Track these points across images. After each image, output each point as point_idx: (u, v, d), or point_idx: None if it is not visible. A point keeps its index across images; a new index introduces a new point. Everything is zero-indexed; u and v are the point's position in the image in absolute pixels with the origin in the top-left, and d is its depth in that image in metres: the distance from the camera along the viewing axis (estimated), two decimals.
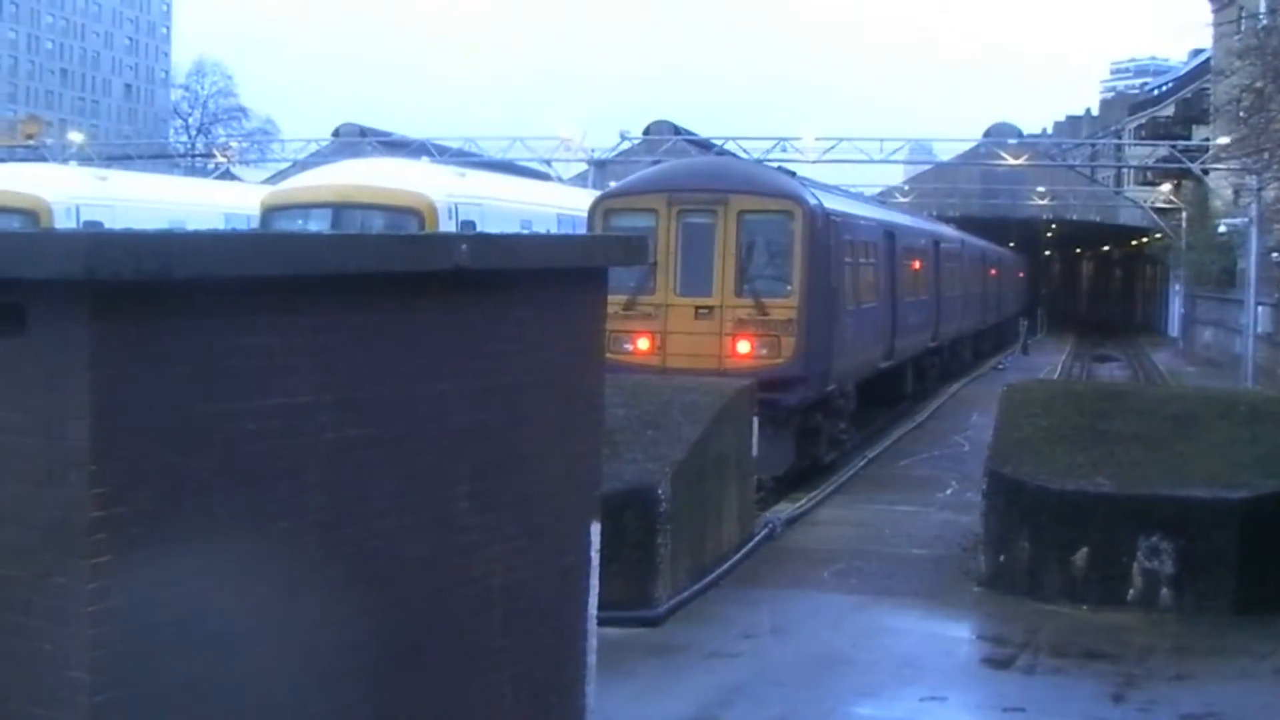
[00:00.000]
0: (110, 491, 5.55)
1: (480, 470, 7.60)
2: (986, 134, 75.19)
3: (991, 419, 18.16)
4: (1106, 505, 15.00)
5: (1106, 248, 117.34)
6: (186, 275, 5.69)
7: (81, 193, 33.00)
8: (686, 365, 22.40)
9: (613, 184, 36.58)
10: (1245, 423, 16.73)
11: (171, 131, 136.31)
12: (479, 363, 7.60)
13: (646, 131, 68.67)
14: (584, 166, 64.80)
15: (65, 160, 63.52)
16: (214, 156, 79.11)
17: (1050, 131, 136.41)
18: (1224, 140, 48.20)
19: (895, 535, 18.70)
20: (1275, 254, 54.39)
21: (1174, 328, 79.57)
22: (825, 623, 14.35)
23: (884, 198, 64.81)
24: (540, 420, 8.15)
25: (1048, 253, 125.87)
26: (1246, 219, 53.49)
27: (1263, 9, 41.98)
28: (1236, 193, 60.26)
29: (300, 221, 27.84)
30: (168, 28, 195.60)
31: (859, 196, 41.83)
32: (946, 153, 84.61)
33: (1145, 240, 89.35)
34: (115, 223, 29.33)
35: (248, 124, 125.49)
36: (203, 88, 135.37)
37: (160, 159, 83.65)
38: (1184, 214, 73.06)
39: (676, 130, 68.63)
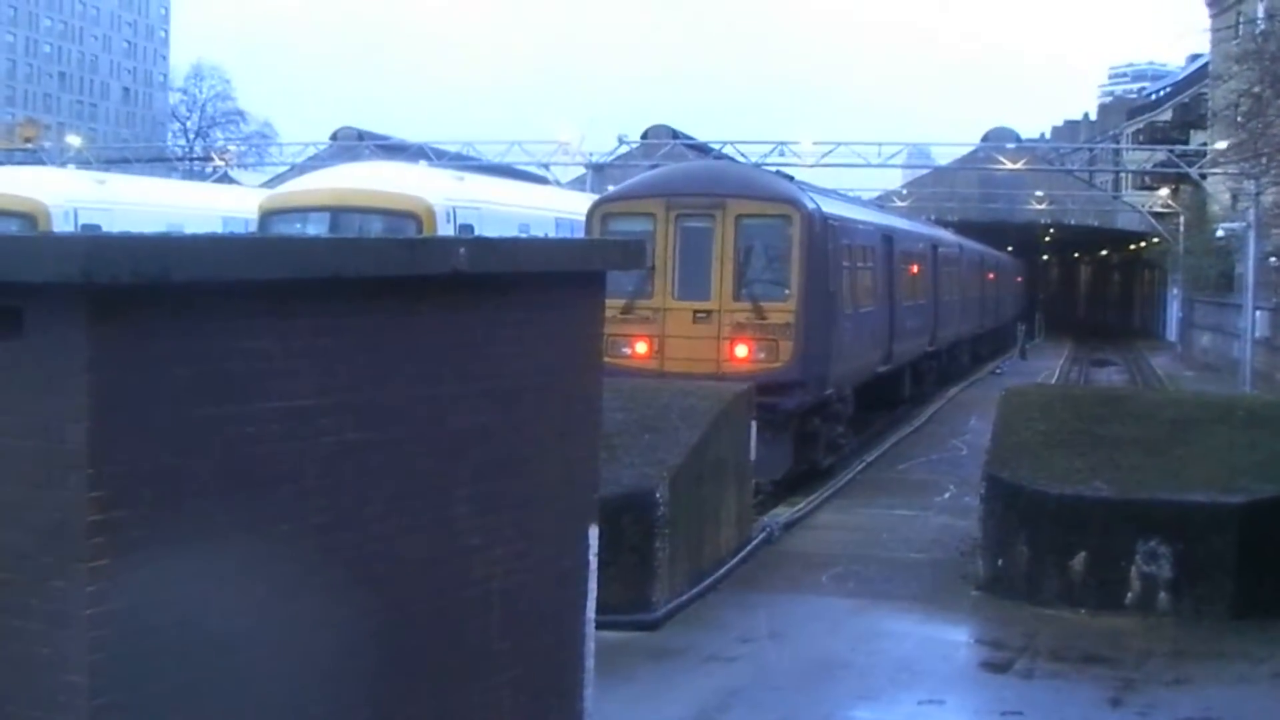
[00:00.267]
0: (109, 495, 5.55)
1: (479, 474, 7.60)
2: (984, 138, 75.22)
3: (989, 423, 18.19)
4: (1105, 509, 15.01)
5: (1104, 252, 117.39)
6: (184, 278, 5.69)
7: (79, 196, 32.97)
8: (684, 369, 22.41)
9: (611, 188, 36.61)
10: (1243, 427, 16.75)
11: (169, 135, 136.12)
12: (477, 366, 7.60)
13: (645, 135, 68.70)
14: (582, 170, 64.80)
15: (63, 163, 63.42)
16: (212, 160, 79.08)
17: (1048, 136, 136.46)
18: (1222, 145, 48.17)
19: (893, 539, 18.71)
20: (1273, 258, 54.39)
21: (1172, 332, 79.61)
22: (823, 627, 14.36)
23: (882, 202, 64.79)
24: (539, 424, 8.15)
25: (1045, 257, 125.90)
26: (1244, 223, 53.49)
27: (1261, 14, 42.01)
28: (1234, 197, 60.27)
29: (298, 225, 27.79)
30: (166, 31, 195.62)
31: (857, 201, 41.82)
32: (944, 157, 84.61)
33: (1143, 245, 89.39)
34: (113, 226, 29.30)
35: (246, 127, 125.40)
36: (201, 91, 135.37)
37: (158, 162, 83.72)
38: (1182, 218, 73.08)
39: (674, 134, 68.65)
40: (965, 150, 76.99)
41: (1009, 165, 68.50)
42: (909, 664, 13.09)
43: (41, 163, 61.95)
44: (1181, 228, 72.56)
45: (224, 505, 6.05)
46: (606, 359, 10.92)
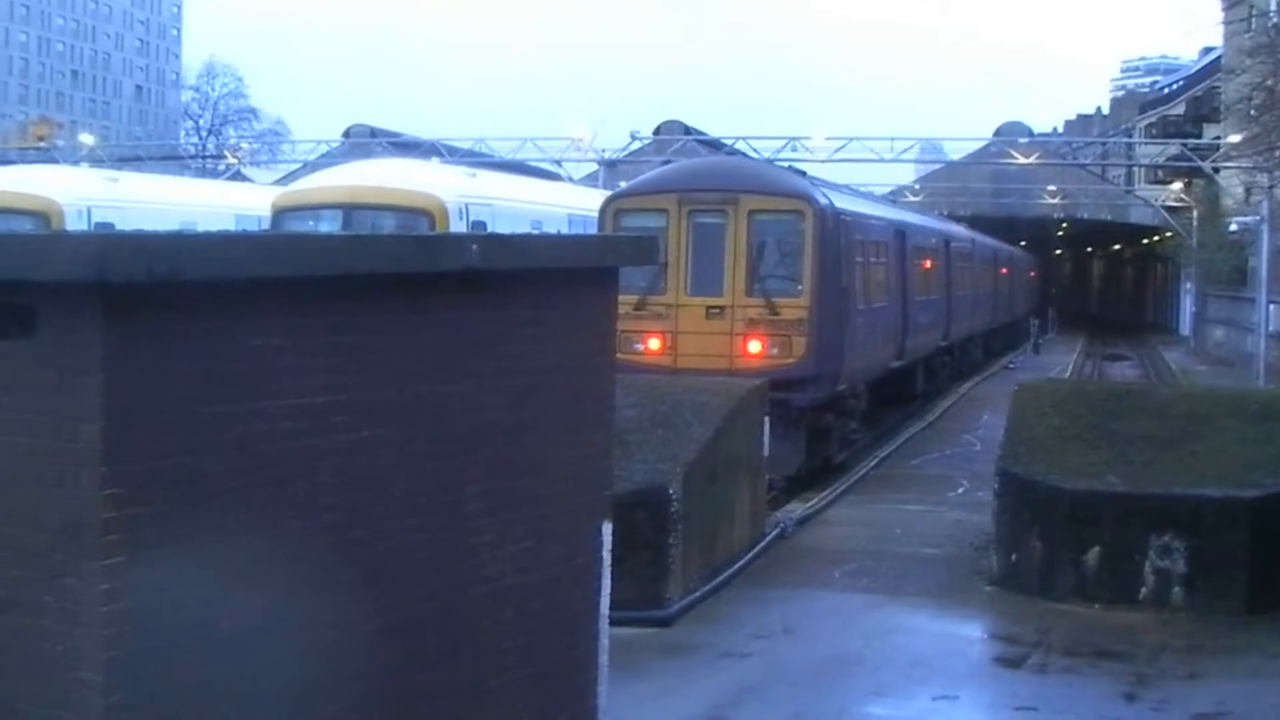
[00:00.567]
0: (122, 493, 5.55)
1: (491, 471, 7.60)
2: (997, 133, 75.02)
3: (1003, 418, 18.16)
4: (1118, 504, 14.99)
5: (1117, 246, 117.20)
6: (197, 277, 5.70)
7: (92, 194, 33.02)
8: (697, 365, 22.40)
9: (623, 184, 36.55)
10: (1257, 422, 16.71)
11: (182, 133, 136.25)
12: (490, 363, 7.60)
13: (657, 131, 68.61)
14: (594, 166, 64.72)
15: (76, 162, 63.63)
16: (224, 158, 79.28)
17: (1061, 130, 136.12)
18: (1235, 138, 48.07)
19: (907, 535, 18.69)
20: None
21: (1185, 326, 79.45)
22: (837, 623, 14.35)
23: (895, 197, 64.78)
24: (551, 421, 8.15)
25: (1058, 251, 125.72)
26: (1258, 217, 53.46)
27: (1273, 7, 41.93)
28: (1248, 191, 60.12)
29: (311, 222, 27.83)
30: (178, 29, 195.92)
31: (870, 196, 41.83)
32: (957, 152, 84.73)
33: (1156, 239, 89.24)
34: (126, 224, 29.31)
35: (258, 125, 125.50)
36: (213, 89, 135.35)
37: (171, 160, 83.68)
38: (1195, 212, 72.91)
39: (687, 130, 68.53)
40: (977, 145, 76.98)
41: (1021, 160, 68.40)
42: (923, 660, 13.08)
43: (54, 161, 62.14)
44: (1194, 222, 72.38)
45: (237, 503, 6.06)
46: (619, 355, 10.91)
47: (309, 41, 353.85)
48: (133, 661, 5.62)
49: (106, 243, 5.48)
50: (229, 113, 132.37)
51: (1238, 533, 14.71)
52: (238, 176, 68.48)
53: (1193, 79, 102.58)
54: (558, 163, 62.18)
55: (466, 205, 28.81)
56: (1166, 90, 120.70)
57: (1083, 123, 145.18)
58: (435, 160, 47.88)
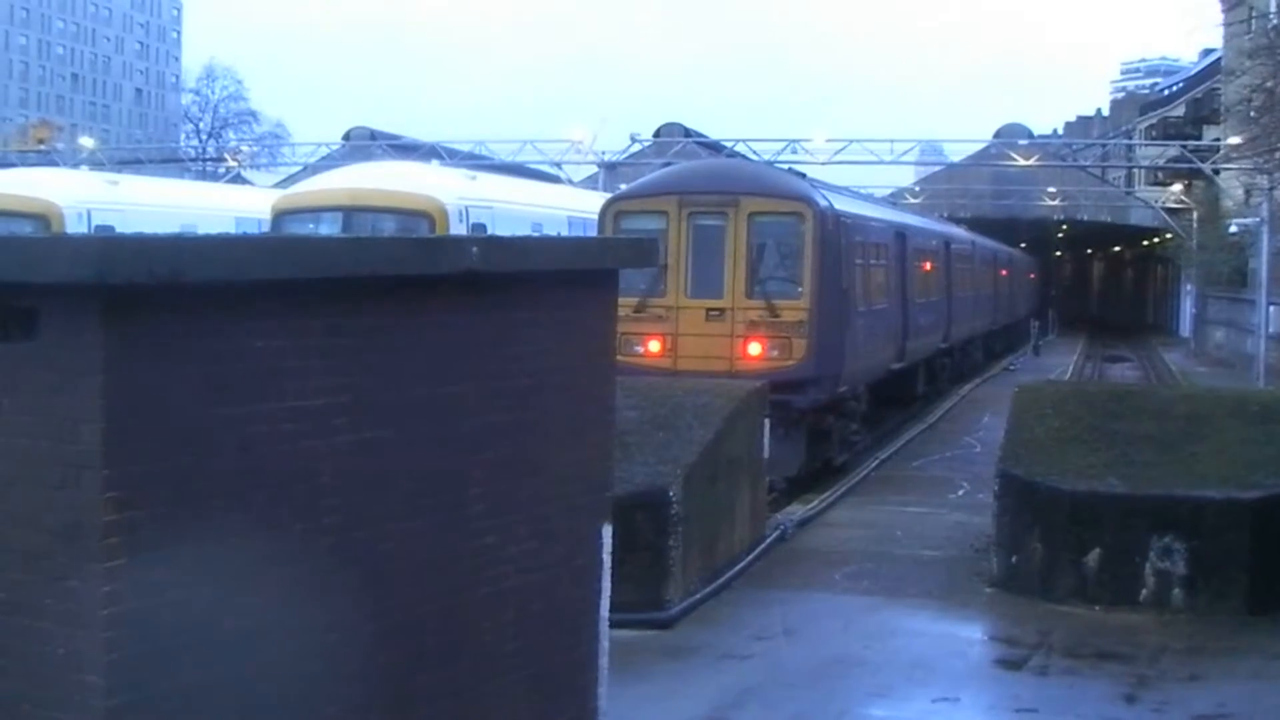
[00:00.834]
0: (123, 495, 5.56)
1: (492, 472, 7.61)
2: (997, 135, 75.09)
3: (1003, 420, 18.17)
4: (1119, 506, 15.00)
5: (1118, 248, 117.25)
6: (198, 279, 5.70)
7: (93, 197, 33.00)
8: (697, 367, 22.41)
9: (623, 186, 36.58)
10: (1257, 423, 16.72)
11: (182, 136, 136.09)
12: (490, 365, 7.61)
13: (657, 134, 68.56)
14: (594, 169, 64.71)
15: (76, 165, 63.51)
16: (225, 160, 79.20)
17: (1061, 132, 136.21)
18: (1235, 140, 48.10)
19: (907, 537, 18.69)
20: None
21: (1185, 328, 79.43)
22: (837, 624, 14.35)
23: (895, 199, 64.77)
24: (552, 422, 8.15)
25: (1059, 253, 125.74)
26: (1258, 219, 53.43)
27: (1273, 8, 41.93)
28: (1248, 193, 60.09)
29: (311, 225, 27.80)
30: (178, 32, 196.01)
31: (870, 198, 41.81)
32: (957, 153, 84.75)
33: (1156, 240, 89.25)
34: (126, 227, 29.28)
35: (258, 128, 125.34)
36: (213, 92, 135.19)
37: (171, 163, 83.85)
38: (1195, 214, 72.93)
39: (687, 132, 68.51)
40: (978, 147, 77.05)
41: (1021, 161, 68.44)
42: (923, 661, 13.08)
43: (54, 164, 62.03)
44: (1195, 223, 72.41)
45: (238, 505, 6.07)
46: (619, 357, 10.92)
47: (309, 44, 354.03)
48: (134, 663, 5.63)
49: (107, 245, 5.49)
50: (229, 116, 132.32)
51: (1238, 534, 14.72)
52: (238, 179, 68.43)
53: (1193, 81, 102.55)
54: (558, 165, 62.20)
55: (466, 208, 28.80)
56: (1166, 92, 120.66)
57: (1083, 124, 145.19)
58: (435, 163, 47.88)
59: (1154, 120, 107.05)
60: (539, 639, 8.05)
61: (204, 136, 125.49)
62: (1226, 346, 63.33)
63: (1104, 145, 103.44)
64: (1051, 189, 78.99)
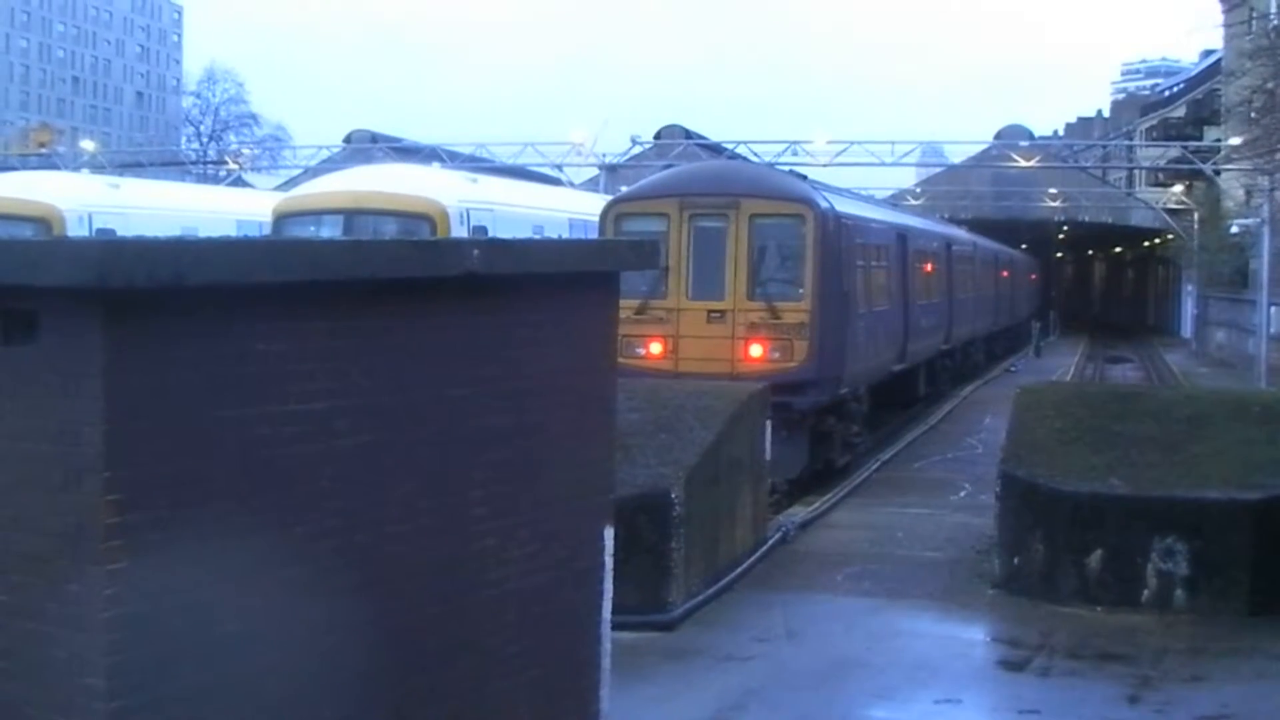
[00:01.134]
0: (125, 497, 5.56)
1: (494, 475, 7.60)
2: (998, 136, 75.11)
3: (1004, 421, 18.16)
4: (1120, 507, 14.99)
5: (1119, 249, 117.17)
6: (199, 282, 5.70)
7: (94, 201, 33.01)
8: (699, 369, 22.41)
9: (624, 188, 36.57)
10: (1259, 423, 16.70)
11: (183, 139, 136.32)
12: (492, 367, 7.60)
13: (657, 136, 68.54)
14: (595, 171, 64.68)
15: (77, 168, 63.65)
16: (226, 163, 79.28)
17: (1061, 133, 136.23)
18: (1235, 141, 48.14)
19: (909, 538, 18.68)
20: None
21: (1187, 329, 79.44)
22: (839, 626, 14.35)
23: (896, 200, 64.78)
24: (553, 425, 8.15)
25: (1060, 254, 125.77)
26: (1258, 219, 53.42)
27: (1274, 9, 41.91)
28: (1248, 193, 60.12)
29: (312, 228, 27.82)
30: (179, 35, 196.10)
31: (871, 199, 41.83)
32: (958, 155, 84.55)
33: (1157, 241, 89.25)
34: (128, 230, 29.25)
35: (259, 131, 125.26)
36: (214, 95, 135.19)
37: (172, 166, 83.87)
38: (1196, 215, 72.95)
39: (687, 134, 68.48)
40: (978, 148, 76.92)
41: (1022, 163, 68.39)
42: (925, 663, 13.07)
43: (55, 167, 62.09)
44: (1196, 224, 72.42)
45: (240, 507, 6.07)
46: (621, 359, 10.92)
47: (310, 47, 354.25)
48: (136, 666, 5.63)
49: (108, 248, 5.48)
50: (230, 118, 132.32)
51: (1240, 535, 14.71)
52: (239, 182, 68.54)
53: (1193, 81, 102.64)
54: (559, 167, 62.16)
55: (468, 210, 28.82)
56: (1167, 93, 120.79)
57: (1083, 125, 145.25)
58: (436, 165, 47.91)
59: (1155, 121, 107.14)
60: (541, 641, 8.05)
61: (205, 139, 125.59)
62: (1228, 347, 63.33)
63: (1105, 146, 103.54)
64: (1052, 190, 78.95)
